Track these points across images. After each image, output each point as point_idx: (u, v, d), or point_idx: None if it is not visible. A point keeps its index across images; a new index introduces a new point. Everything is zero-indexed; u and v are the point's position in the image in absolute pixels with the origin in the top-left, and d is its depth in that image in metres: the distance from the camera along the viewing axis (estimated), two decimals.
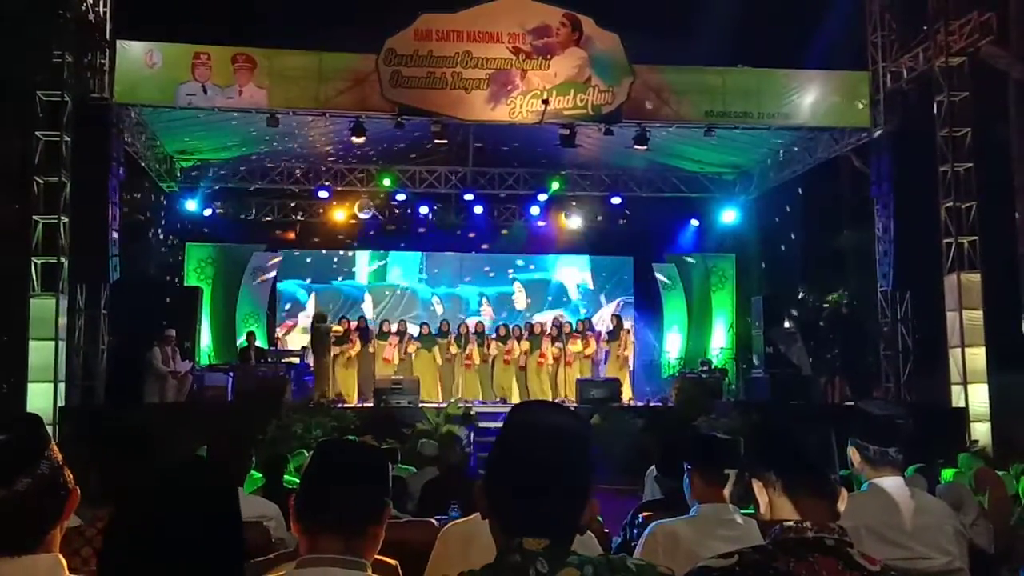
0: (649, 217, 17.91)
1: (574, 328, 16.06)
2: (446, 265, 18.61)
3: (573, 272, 18.84)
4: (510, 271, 18.67)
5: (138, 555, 1.53)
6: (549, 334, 15.84)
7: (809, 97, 13.57)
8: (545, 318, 17.35)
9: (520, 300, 18.43)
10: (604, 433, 11.57)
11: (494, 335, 15.97)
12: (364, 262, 18.51)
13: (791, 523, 1.80)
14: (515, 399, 14.87)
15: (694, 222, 18.49)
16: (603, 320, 17.32)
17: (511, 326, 16.25)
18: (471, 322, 16.49)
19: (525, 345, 15.62)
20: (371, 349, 15.27)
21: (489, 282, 18.57)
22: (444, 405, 13.44)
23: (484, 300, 18.24)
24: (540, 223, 18.44)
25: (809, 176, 15.84)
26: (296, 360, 15.54)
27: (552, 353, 15.66)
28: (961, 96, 12.55)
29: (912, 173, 13.34)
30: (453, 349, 15.48)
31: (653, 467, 5.30)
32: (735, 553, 1.77)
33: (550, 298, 18.55)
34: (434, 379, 15.29)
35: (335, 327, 15.23)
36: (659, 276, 18.63)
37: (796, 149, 15.50)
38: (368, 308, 17.93)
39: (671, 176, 17.42)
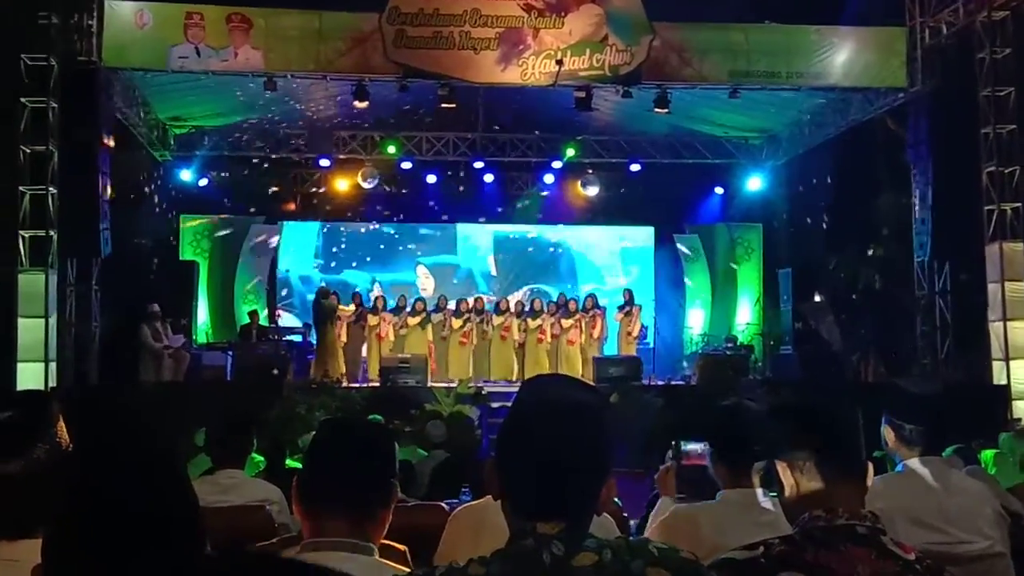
0: (670, 185, 17.82)
1: (581, 305, 15.99)
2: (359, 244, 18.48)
3: (477, 256, 18.79)
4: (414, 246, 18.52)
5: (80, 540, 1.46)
6: (549, 311, 15.84)
7: (841, 55, 13.42)
8: (518, 295, 17.53)
9: (427, 286, 18.27)
10: (623, 413, 11.60)
11: (493, 311, 15.98)
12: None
13: (820, 512, 1.79)
14: (513, 378, 14.97)
15: (718, 190, 18.40)
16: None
17: (511, 301, 16.29)
18: (470, 299, 16.53)
19: (530, 323, 15.64)
20: (364, 324, 15.27)
21: (386, 265, 18.46)
22: (455, 384, 13.50)
23: (376, 286, 17.94)
24: (554, 192, 18.41)
25: (841, 140, 15.69)
26: (299, 338, 15.63)
27: (551, 331, 15.65)
28: (1004, 53, 12.39)
29: (951, 136, 13.18)
30: (455, 325, 15.51)
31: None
32: (760, 544, 1.77)
33: (455, 281, 18.35)
34: (428, 357, 15.31)
35: (341, 306, 15.25)
36: (681, 247, 18.57)
37: (827, 111, 15.36)
38: (429, 285, 18.26)
39: (694, 141, 17.32)
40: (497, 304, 16.17)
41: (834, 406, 1.92)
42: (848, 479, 1.84)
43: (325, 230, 18.40)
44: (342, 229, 18.50)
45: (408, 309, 15.76)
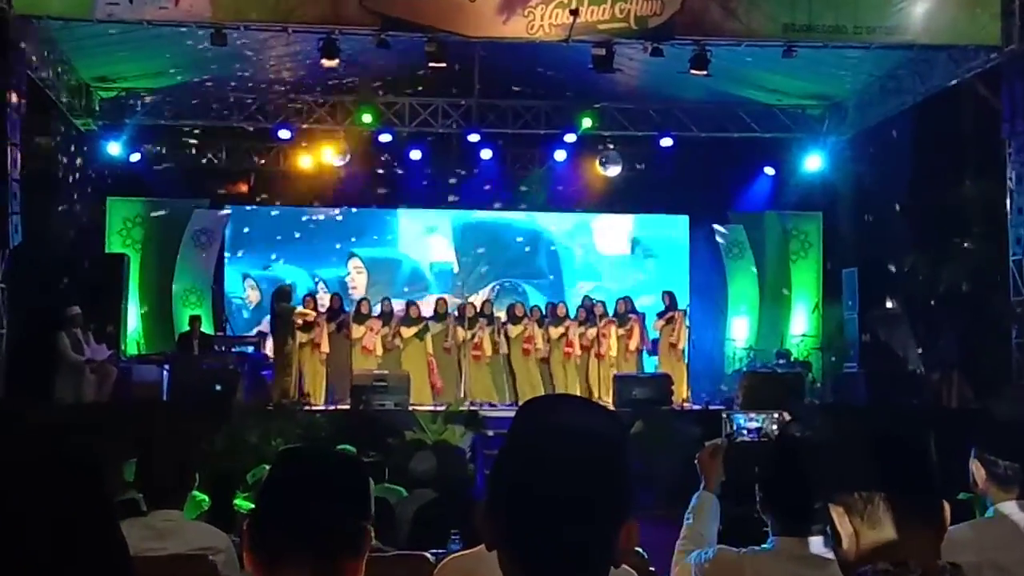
0: (709, 164, 17.83)
1: (611, 310, 16.11)
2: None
3: (427, 248, 18.85)
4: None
5: None
6: (576, 318, 16.03)
7: (921, 6, 13.40)
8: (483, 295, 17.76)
9: (359, 282, 18.38)
10: (650, 444, 11.60)
11: (504, 318, 16.07)
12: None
13: (886, 565, 1.79)
14: None
15: (768, 171, 18.39)
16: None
17: (529, 307, 16.39)
18: (477, 300, 16.55)
19: (553, 333, 15.75)
20: (347, 335, 15.35)
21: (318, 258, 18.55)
22: (442, 408, 13.50)
23: (321, 284, 18.06)
24: (566, 172, 18.44)
25: (920, 110, 15.68)
26: (250, 349, 15.63)
27: (580, 342, 15.75)
28: None
29: None
30: (461, 335, 15.56)
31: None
32: None
33: (405, 287, 18.41)
34: (424, 375, 15.37)
35: (302, 309, 15.31)
36: (722, 241, 18.57)
37: (903, 74, 15.35)
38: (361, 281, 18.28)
39: (738, 111, 17.31)
40: (510, 309, 16.29)
41: (902, 434, 1.92)
42: (921, 525, 1.84)
43: (227, 212, 18.34)
44: (249, 210, 18.57)
45: (400, 315, 15.81)
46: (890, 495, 1.88)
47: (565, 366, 15.86)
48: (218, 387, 13.26)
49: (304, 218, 18.60)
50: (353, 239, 18.63)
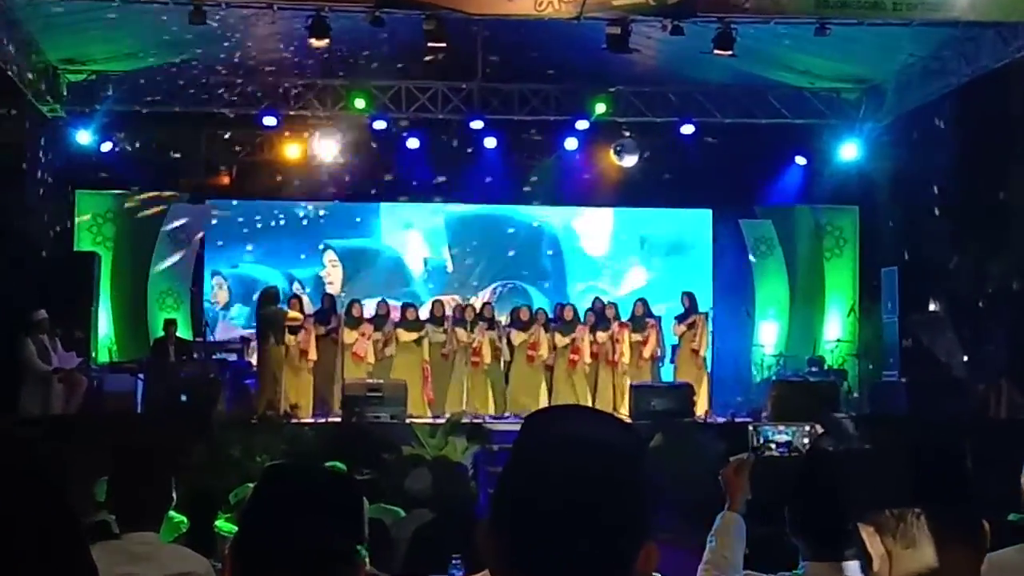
0: (735, 153, 17.80)
1: (624, 313, 16.08)
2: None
3: (415, 244, 18.86)
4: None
5: None
6: (585, 322, 15.99)
7: None
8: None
9: (334, 277, 18.42)
10: (669, 460, 11.57)
11: (508, 321, 16.06)
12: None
13: None
14: None
15: (800, 160, 18.38)
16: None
17: (534, 310, 16.39)
18: (476, 302, 16.52)
19: (559, 338, 15.73)
20: (336, 340, 15.36)
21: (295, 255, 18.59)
22: (442, 420, 13.50)
23: (297, 285, 18.09)
24: (578, 162, 18.45)
25: (967, 93, 15.65)
26: (232, 356, 15.64)
27: (589, 348, 15.73)
28: None
29: None
30: (462, 337, 15.57)
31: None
32: None
33: (390, 287, 18.38)
34: (418, 384, 15.38)
35: (292, 313, 15.32)
36: (749, 237, 18.54)
37: (947, 54, 15.33)
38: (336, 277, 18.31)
39: (767, 94, 17.32)
40: (515, 313, 16.29)
41: (939, 446, 1.92)
42: (958, 546, 1.84)
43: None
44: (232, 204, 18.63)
45: (396, 319, 15.83)
46: (926, 511, 1.88)
47: (572, 376, 15.78)
48: (197, 398, 13.27)
49: (279, 212, 18.64)
50: (334, 234, 18.72)
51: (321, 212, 18.71)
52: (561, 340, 15.82)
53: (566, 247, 19.17)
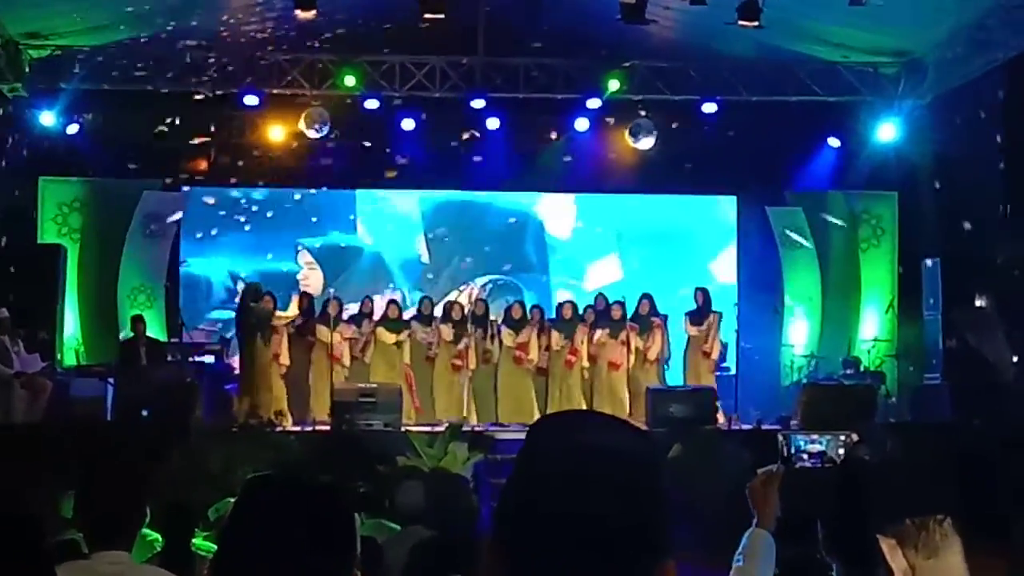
0: (762, 135, 17.78)
1: (629, 312, 15.97)
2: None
3: (394, 239, 18.91)
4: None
5: None
6: (585, 319, 15.89)
7: None
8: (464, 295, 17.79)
9: (313, 279, 18.44)
10: (691, 471, 11.57)
11: (502, 319, 16.04)
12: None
13: None
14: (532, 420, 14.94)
15: (833, 142, 18.35)
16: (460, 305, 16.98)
17: (529, 307, 16.37)
18: (463, 298, 16.52)
19: (556, 338, 15.69)
20: (312, 338, 15.37)
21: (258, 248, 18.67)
22: (441, 428, 13.50)
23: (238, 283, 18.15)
24: (589, 144, 18.43)
25: (1014, 68, 15.63)
26: (210, 359, 15.64)
27: (587, 349, 15.69)
28: None
29: None
30: (446, 337, 15.57)
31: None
32: None
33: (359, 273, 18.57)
34: (405, 389, 15.32)
35: (281, 313, 15.30)
36: (778, 226, 18.52)
37: (994, 24, 15.28)
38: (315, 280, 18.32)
39: (796, 70, 17.29)
40: (508, 310, 16.25)
41: (986, 457, 1.92)
42: (993, 560, 1.84)
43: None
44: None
45: (377, 317, 15.80)
46: (954, 524, 1.88)
47: (568, 380, 15.70)
48: (173, 404, 13.27)
49: (264, 198, 18.74)
50: (312, 223, 18.79)
51: (296, 197, 18.78)
52: (558, 341, 15.70)
53: (565, 235, 19.17)
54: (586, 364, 15.81)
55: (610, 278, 18.71)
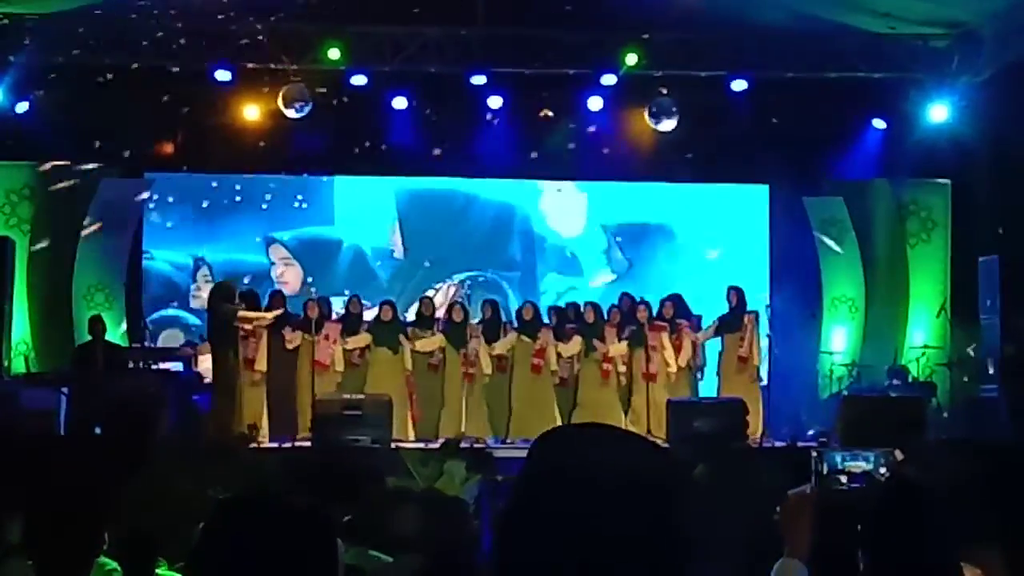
0: (798, 116, 17.81)
1: (656, 313, 15.98)
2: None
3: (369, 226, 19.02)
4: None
5: None
6: (613, 322, 15.88)
7: None
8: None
9: (290, 277, 18.56)
10: (716, 494, 11.58)
11: (515, 323, 16.09)
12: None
13: None
14: None
15: (878, 124, 18.37)
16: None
17: (545, 309, 16.43)
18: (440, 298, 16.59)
19: (573, 344, 15.68)
20: (289, 344, 15.40)
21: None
22: (435, 445, 13.52)
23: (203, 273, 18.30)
24: (604, 126, 18.45)
25: None
26: (177, 365, 15.65)
27: (620, 356, 15.68)
28: None
29: None
30: (435, 342, 15.59)
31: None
32: None
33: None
34: (404, 399, 15.39)
35: (255, 313, 15.31)
36: (815, 219, 18.53)
37: None
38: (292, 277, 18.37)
39: (837, 43, 17.32)
40: (521, 313, 16.28)
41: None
42: None
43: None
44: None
45: (369, 320, 15.83)
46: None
47: (603, 390, 15.63)
48: (134, 417, 13.28)
49: (239, 185, 18.86)
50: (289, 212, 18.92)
51: (272, 184, 18.92)
52: (569, 349, 15.67)
53: (581, 228, 19.29)
54: (620, 371, 15.70)
55: (619, 277, 18.82)
